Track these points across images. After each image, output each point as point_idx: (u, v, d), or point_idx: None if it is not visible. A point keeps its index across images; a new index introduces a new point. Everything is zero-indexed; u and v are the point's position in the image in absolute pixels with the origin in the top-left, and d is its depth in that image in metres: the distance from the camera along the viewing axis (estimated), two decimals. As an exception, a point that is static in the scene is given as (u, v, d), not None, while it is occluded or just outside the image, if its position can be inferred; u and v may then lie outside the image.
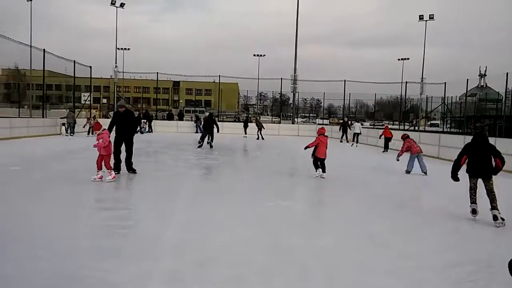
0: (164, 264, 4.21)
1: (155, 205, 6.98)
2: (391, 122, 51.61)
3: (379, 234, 5.74)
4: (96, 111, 41.21)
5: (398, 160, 12.84)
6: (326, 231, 5.83)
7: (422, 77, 36.25)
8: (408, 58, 52.55)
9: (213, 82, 46.51)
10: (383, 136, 21.24)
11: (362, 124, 28.20)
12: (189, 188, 8.77)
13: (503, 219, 6.40)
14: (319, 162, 10.75)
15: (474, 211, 6.70)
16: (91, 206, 7.03)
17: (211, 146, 18.70)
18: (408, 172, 12.34)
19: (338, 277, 4.10)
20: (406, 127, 37.54)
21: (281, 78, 37.52)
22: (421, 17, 40.14)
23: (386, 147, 20.76)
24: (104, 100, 61.81)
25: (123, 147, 9.98)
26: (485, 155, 6.69)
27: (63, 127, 24.48)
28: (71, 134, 24.19)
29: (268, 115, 61.60)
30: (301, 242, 5.16)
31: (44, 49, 25.23)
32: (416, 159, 12.37)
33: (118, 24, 40.62)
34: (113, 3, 39.05)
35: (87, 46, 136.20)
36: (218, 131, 19.49)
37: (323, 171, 10.63)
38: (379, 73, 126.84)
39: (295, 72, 37.15)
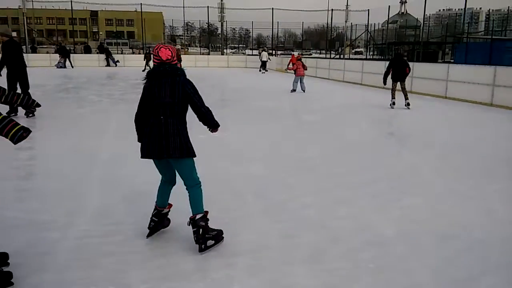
0: (92, 201, 4.10)
1: (80, 143, 6.66)
2: (318, 51, 52.40)
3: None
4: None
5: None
6: (257, 159, 5.97)
7: (347, 4, 36.56)
8: (334, -16, 52.27)
9: (135, 11, 43.56)
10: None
11: (268, 53, 30.39)
12: (115, 125, 8.43)
13: (409, 104, 10.89)
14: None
15: (393, 103, 11.06)
16: (6, 146, 6.55)
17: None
18: (293, 91, 14.86)
19: (268, 198, 4.27)
20: (332, 56, 38.34)
21: (208, 6, 36.02)
22: None
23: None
24: (14, 34, 55.94)
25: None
26: (401, 67, 10.92)
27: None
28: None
29: (196, 46, 59.67)
30: (235, 169, 5.26)
31: None
32: (299, 80, 14.79)
33: None
34: None
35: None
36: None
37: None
38: (306, 2, 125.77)
39: (222, 0, 35.75)
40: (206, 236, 3.14)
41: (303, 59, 16.88)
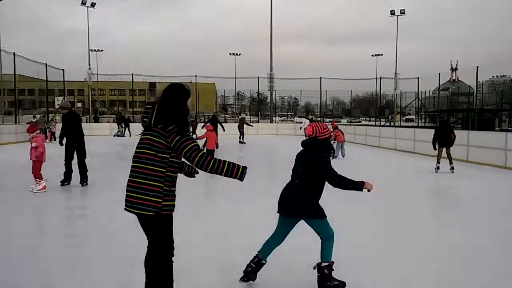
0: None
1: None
2: (368, 118, 52.38)
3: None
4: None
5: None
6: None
7: (396, 73, 36.90)
8: (382, 54, 53.40)
9: (190, 82, 46.22)
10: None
11: (310, 120, 29.82)
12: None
13: (453, 168, 11.52)
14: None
15: (438, 168, 11.63)
16: (70, 214, 6.92)
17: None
18: (334, 157, 14.16)
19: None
20: (382, 123, 38.14)
21: (258, 77, 37.64)
22: (392, 12, 40.84)
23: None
24: (79, 104, 60.62)
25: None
26: (447, 133, 11.61)
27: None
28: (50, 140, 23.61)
29: (246, 114, 61.62)
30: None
31: (14, 53, 24.65)
32: (340, 147, 15.43)
33: (91, 25, 39.91)
34: (83, 3, 38.13)
35: (60, 49, 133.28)
36: (223, 130, 20.51)
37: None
38: (354, 70, 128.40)
39: (271, 71, 37.30)
40: (328, 284, 3.59)
41: (340, 127, 17.88)
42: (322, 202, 3.74)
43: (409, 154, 17.69)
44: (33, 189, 8.09)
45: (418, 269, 4.35)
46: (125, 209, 3.03)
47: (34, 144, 8.13)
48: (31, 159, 8.14)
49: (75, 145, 8.85)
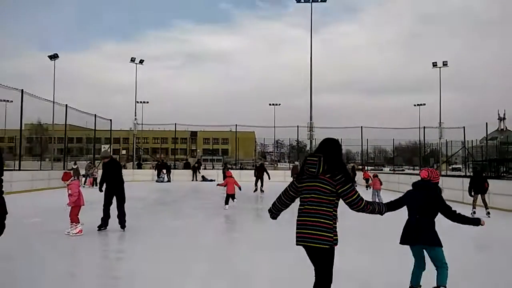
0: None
1: (174, 257, 6.80)
2: (411, 167, 50.91)
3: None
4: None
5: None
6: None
7: (440, 122, 36.04)
8: (424, 104, 52.53)
9: (230, 131, 47.07)
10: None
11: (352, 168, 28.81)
12: (210, 239, 8.57)
13: (489, 213, 12.35)
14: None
15: (474, 213, 11.82)
16: (108, 256, 6.91)
17: (262, 191, 20.96)
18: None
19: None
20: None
21: (297, 126, 37.85)
22: (434, 64, 40.47)
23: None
24: (124, 152, 62.83)
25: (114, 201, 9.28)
26: (481, 182, 12.72)
27: (83, 179, 24.71)
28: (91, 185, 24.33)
29: (285, 162, 61.54)
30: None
31: (66, 105, 26.12)
32: (376, 193, 16.20)
33: (138, 79, 42.04)
34: (132, 60, 40.99)
35: (109, 101, 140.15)
36: (269, 177, 22.01)
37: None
38: (396, 120, 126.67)
39: (311, 119, 37.38)
40: None
41: (379, 175, 18.39)
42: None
43: (456, 203, 16.79)
44: (69, 232, 8.25)
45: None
46: (298, 243, 3.53)
47: (69, 191, 8.38)
48: (68, 205, 8.40)
49: (114, 190, 9.07)
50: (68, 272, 5.91)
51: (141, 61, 41.49)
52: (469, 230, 9.15)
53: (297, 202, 3.73)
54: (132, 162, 41.14)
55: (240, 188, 13.78)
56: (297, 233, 3.51)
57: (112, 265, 6.43)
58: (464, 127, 33.37)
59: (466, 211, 13.97)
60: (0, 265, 6.12)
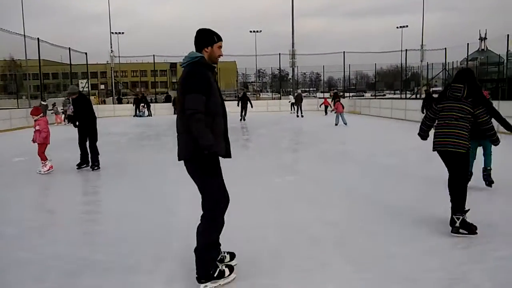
0: (175, 246, 4.20)
1: (162, 188, 6.96)
2: (392, 92, 51.30)
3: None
4: (94, 97, 40.87)
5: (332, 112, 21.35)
6: (334, 204, 5.81)
7: (422, 44, 35.78)
8: (407, 26, 51.65)
9: (211, 61, 45.91)
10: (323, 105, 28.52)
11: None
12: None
13: None
14: None
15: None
16: (96, 192, 7.03)
17: (244, 120, 22.94)
18: (336, 124, 18.42)
19: (347, 246, 4.10)
20: (408, 96, 37.27)
21: (279, 54, 37.16)
22: (417, -18, 39.34)
23: (325, 112, 27.65)
24: (102, 86, 61.40)
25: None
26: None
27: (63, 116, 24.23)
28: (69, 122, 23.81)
29: (268, 91, 61.18)
30: (311, 215, 5.16)
31: (38, 38, 24.94)
32: (339, 116, 18.53)
33: (112, 7, 39.99)
34: (104, -14, 38.47)
35: (82, 32, 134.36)
36: (252, 106, 23.73)
37: None
38: (378, 43, 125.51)
39: (293, 47, 36.73)
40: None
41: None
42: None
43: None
44: (40, 171, 8.18)
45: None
46: (436, 149, 4.58)
47: (37, 127, 8.15)
48: (35, 142, 8.23)
49: (87, 128, 8.76)
50: (50, 209, 6.02)
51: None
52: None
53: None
54: (112, 97, 40.41)
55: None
56: (436, 141, 4.54)
57: (96, 200, 6.56)
58: (445, 49, 33.27)
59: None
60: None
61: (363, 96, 48.54)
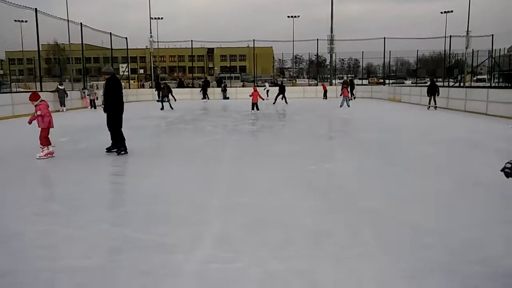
0: (214, 228, 4.26)
1: (199, 172, 7.05)
2: (435, 79, 49.56)
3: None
4: (134, 81, 41.74)
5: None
6: (372, 193, 5.70)
7: (468, 30, 34.25)
8: (452, 11, 49.64)
9: (247, 47, 45.93)
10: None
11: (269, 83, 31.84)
12: (231, 154, 8.79)
13: None
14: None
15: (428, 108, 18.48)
16: (133, 174, 7.20)
17: (286, 103, 25.40)
18: (340, 106, 21.95)
19: (385, 235, 4.02)
20: (451, 84, 35.93)
21: (317, 39, 36.55)
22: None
23: (325, 96, 31.94)
24: (141, 71, 62.66)
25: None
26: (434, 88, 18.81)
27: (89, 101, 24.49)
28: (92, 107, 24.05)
29: (304, 78, 60.55)
30: (347, 203, 5.09)
31: (81, 23, 25.66)
32: (345, 99, 22.47)
33: (151, -7, 40.48)
34: (144, -27, 38.97)
35: (123, 18, 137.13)
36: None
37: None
38: (421, 29, 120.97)
39: (331, 32, 36.00)
40: None
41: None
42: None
43: (481, 115, 16.57)
44: (40, 156, 8.01)
45: None
46: None
47: (39, 112, 8.03)
48: (31, 123, 8.17)
49: (115, 111, 8.49)
50: (94, 189, 6.22)
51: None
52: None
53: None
54: (150, 81, 41.16)
55: (263, 99, 20.85)
56: None
57: (136, 182, 6.71)
58: (492, 35, 31.80)
59: (488, 122, 13.95)
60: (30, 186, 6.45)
61: (404, 83, 47.18)
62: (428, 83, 23.39)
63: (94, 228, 4.27)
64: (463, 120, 15.30)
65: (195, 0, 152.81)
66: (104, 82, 8.97)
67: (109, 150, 8.64)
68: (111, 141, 8.65)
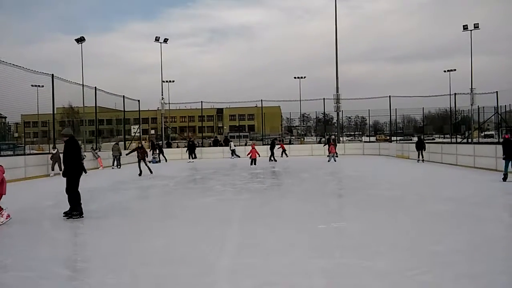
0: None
1: (207, 232, 7.02)
2: (442, 136, 49.81)
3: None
4: (145, 142, 42.49)
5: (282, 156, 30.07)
6: (384, 252, 5.61)
7: (472, 88, 34.93)
8: (455, 70, 50.99)
9: (256, 107, 47.02)
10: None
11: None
12: (239, 214, 8.77)
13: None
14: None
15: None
16: (141, 232, 7.19)
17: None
18: (328, 161, 24.46)
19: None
20: (458, 140, 36.02)
21: (323, 98, 37.36)
22: (465, 27, 39.12)
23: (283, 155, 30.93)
24: (152, 131, 63.91)
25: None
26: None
27: (112, 161, 25.06)
28: (118, 166, 24.61)
29: (312, 135, 61.18)
30: (359, 263, 5.00)
31: (95, 87, 26.64)
32: (331, 155, 24.86)
33: (164, 58, 42.70)
34: (157, 40, 41.13)
35: (136, 81, 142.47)
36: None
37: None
38: (425, 87, 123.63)
39: (337, 91, 36.88)
40: None
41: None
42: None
43: (490, 171, 16.45)
44: (3, 222, 7.60)
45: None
46: None
47: None
48: None
49: (75, 173, 8.26)
50: (128, 246, 6.20)
51: (166, 40, 41.66)
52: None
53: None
54: (161, 141, 41.89)
55: (259, 155, 24.36)
56: None
57: (143, 241, 6.70)
58: (497, 92, 32.24)
59: (499, 177, 13.83)
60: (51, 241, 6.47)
61: (411, 140, 47.35)
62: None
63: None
64: (474, 176, 15.20)
65: (205, 63, 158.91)
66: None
67: (66, 214, 8.28)
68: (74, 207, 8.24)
